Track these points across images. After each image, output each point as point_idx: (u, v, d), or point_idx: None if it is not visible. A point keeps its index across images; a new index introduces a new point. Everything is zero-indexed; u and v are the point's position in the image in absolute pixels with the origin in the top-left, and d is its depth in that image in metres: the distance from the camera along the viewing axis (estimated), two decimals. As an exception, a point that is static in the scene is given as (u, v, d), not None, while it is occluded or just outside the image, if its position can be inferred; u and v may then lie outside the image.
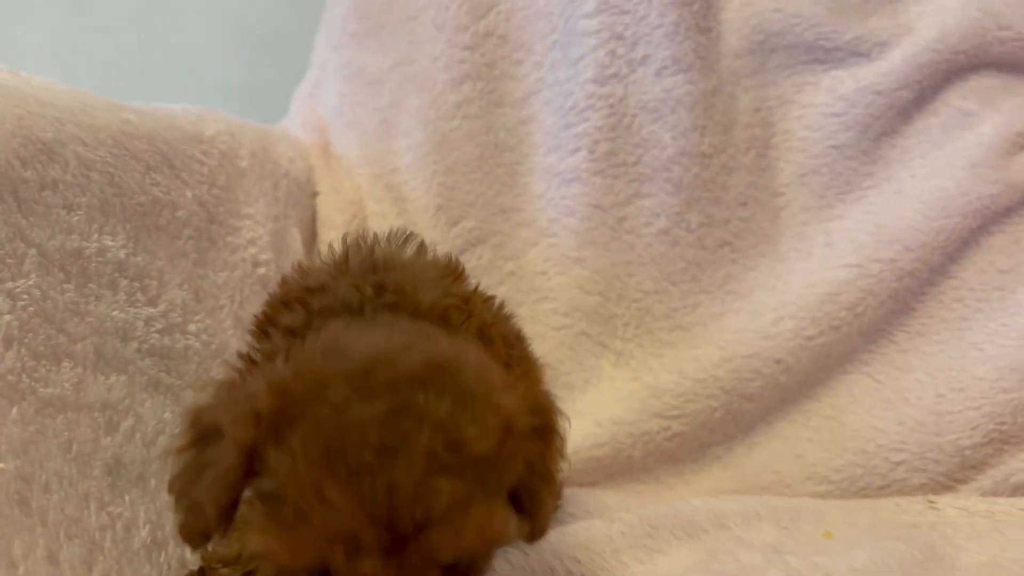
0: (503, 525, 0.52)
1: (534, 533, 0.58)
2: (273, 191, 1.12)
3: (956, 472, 1.09)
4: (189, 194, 0.93)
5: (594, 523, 0.83)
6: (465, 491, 0.49)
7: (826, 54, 1.25)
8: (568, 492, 1.00)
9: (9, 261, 0.67)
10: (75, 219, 0.76)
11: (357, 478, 0.47)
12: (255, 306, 0.79)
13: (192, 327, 0.86)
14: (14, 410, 0.62)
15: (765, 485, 1.13)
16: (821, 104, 1.25)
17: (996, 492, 1.04)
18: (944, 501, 1.02)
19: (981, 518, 0.96)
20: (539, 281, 1.25)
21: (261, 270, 1.01)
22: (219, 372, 0.87)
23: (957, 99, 1.22)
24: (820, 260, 1.20)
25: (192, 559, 0.71)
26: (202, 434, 0.53)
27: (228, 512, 0.52)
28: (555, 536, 0.79)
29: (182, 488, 0.54)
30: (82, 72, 1.87)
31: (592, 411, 1.17)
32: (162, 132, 0.93)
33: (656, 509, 0.88)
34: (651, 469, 1.16)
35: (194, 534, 0.54)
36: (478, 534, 0.50)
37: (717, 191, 1.24)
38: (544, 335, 1.22)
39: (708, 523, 0.88)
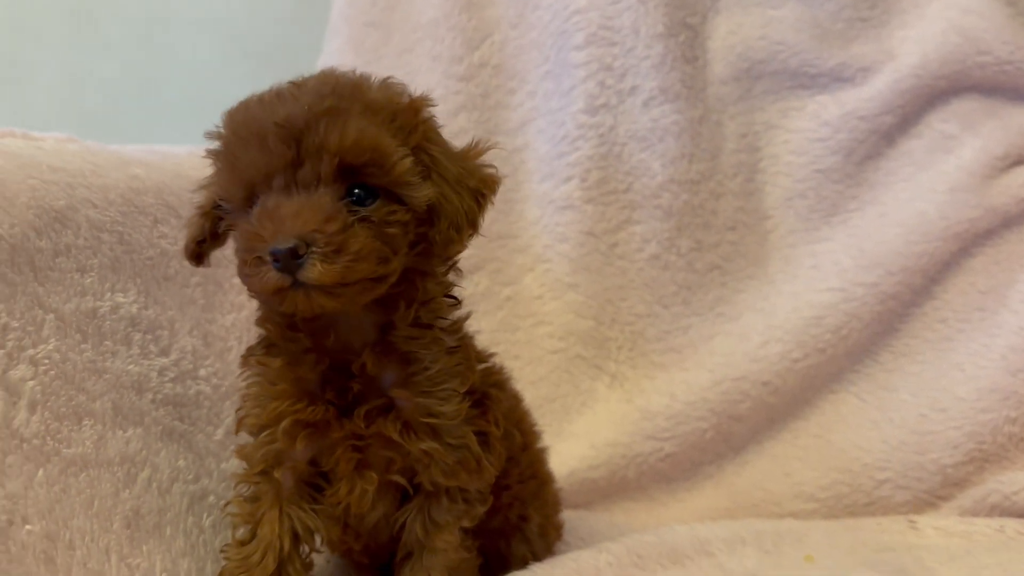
0: (385, 139, 0.66)
1: (437, 244, 0.70)
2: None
3: (938, 490, 1.13)
4: (196, 242, 0.97)
5: (582, 554, 0.87)
6: (346, 108, 0.65)
7: (811, 80, 1.29)
8: (564, 515, 1.04)
9: (29, 329, 0.72)
10: (88, 280, 0.81)
11: (260, 115, 0.65)
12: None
13: (202, 372, 0.91)
14: (40, 472, 0.67)
15: (755, 502, 1.18)
16: (806, 129, 1.29)
17: (975, 511, 1.08)
18: (924, 521, 1.06)
19: (958, 538, 1.01)
20: (535, 306, 1.30)
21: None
22: (229, 414, 0.93)
23: (939, 122, 1.26)
24: (806, 282, 1.24)
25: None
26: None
27: (200, 225, 0.73)
28: (544, 570, 0.83)
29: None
30: (87, 89, 1.91)
31: (588, 433, 1.22)
32: (168, 183, 0.98)
33: (642, 538, 0.92)
34: (645, 488, 1.21)
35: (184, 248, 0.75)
36: (359, 134, 0.64)
37: (706, 216, 1.28)
38: (541, 358, 1.27)
39: (692, 550, 0.92)
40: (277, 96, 0.67)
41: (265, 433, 0.73)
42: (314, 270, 0.62)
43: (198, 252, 0.74)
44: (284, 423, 0.72)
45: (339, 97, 0.66)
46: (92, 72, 1.94)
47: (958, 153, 1.23)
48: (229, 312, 1.00)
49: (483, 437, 0.78)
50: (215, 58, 1.91)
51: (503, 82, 1.36)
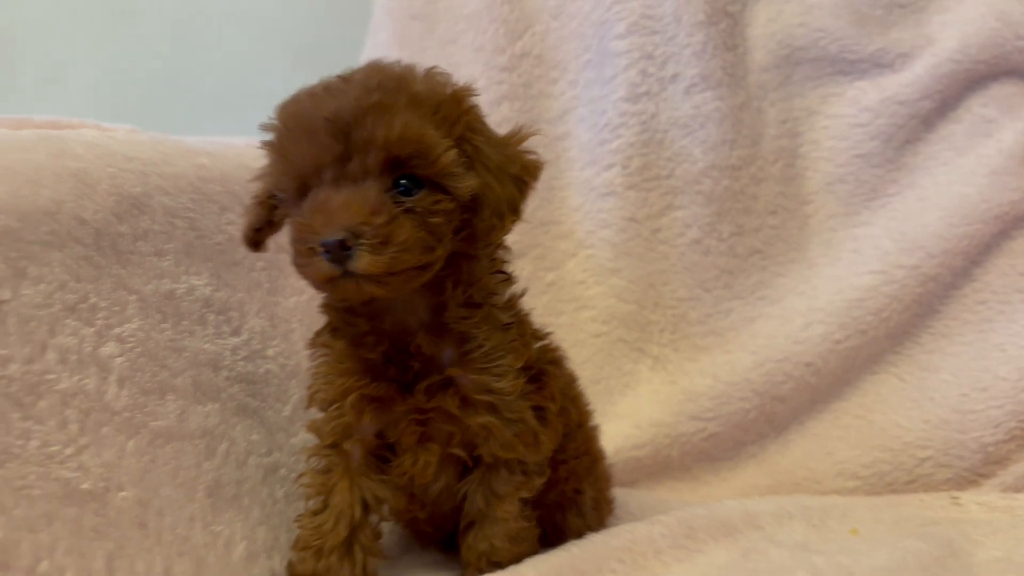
0: (429, 132, 0.69)
1: (481, 231, 0.73)
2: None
3: (979, 468, 1.15)
4: (259, 228, 1.01)
5: (636, 526, 0.90)
6: (392, 102, 0.68)
7: (850, 66, 1.31)
8: (613, 493, 1.07)
9: (115, 309, 0.76)
10: (165, 264, 0.84)
11: (309, 109, 0.68)
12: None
13: (270, 352, 0.95)
14: (130, 443, 0.71)
15: (797, 481, 1.21)
16: (846, 115, 1.31)
17: (1017, 487, 1.10)
18: (967, 497, 1.08)
19: (1001, 513, 1.03)
20: (578, 291, 1.32)
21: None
22: (296, 392, 0.97)
23: (979, 107, 1.27)
24: (847, 266, 1.26)
25: (280, 569, 0.80)
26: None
27: (258, 213, 0.77)
28: (600, 539, 0.86)
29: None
30: (125, 83, 1.95)
31: (631, 414, 1.25)
32: (232, 173, 1.02)
33: (694, 511, 0.95)
34: (688, 468, 1.24)
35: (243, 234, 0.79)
36: (404, 128, 0.67)
37: (747, 201, 1.30)
38: (584, 342, 1.30)
39: (742, 523, 0.95)
40: (326, 90, 0.70)
41: (334, 407, 0.77)
42: (362, 260, 0.65)
43: (255, 239, 0.78)
44: (351, 398, 0.76)
45: (385, 91, 0.68)
46: (131, 68, 1.98)
47: (998, 137, 1.25)
48: (291, 295, 1.03)
49: (540, 412, 0.82)
50: (253, 53, 1.95)
51: (545, 72, 1.38)
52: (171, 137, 1.04)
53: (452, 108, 0.72)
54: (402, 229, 0.67)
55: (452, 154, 0.70)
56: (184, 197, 0.91)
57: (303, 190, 0.69)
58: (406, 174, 0.69)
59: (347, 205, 0.66)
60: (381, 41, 1.47)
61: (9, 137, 0.77)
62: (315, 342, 0.81)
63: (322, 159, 0.67)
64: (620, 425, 1.24)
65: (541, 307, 1.31)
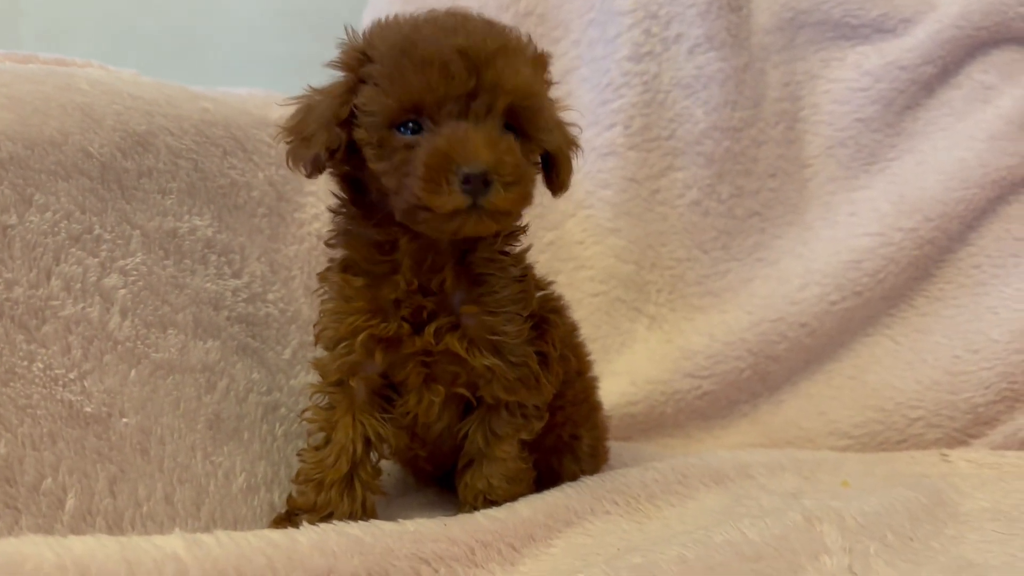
0: (542, 87, 0.75)
1: (557, 186, 0.80)
2: (331, 168, 1.21)
3: (969, 428, 1.16)
4: (261, 175, 1.02)
5: (630, 471, 0.92)
6: (515, 51, 0.71)
7: (852, 30, 1.31)
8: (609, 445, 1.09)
9: (119, 242, 0.77)
10: (168, 202, 0.85)
11: (439, 40, 0.69)
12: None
13: (271, 296, 0.96)
14: (132, 372, 0.72)
15: (789, 440, 1.22)
16: (848, 79, 1.31)
17: (1005, 446, 1.12)
18: (956, 454, 1.10)
19: (989, 469, 1.05)
20: (577, 250, 1.33)
21: (324, 242, 1.11)
22: (295, 337, 0.98)
23: (979, 73, 1.28)
24: (845, 228, 1.27)
25: (279, 503, 0.81)
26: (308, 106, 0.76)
27: (337, 135, 0.73)
28: (594, 481, 0.88)
29: (295, 128, 0.75)
30: (129, 46, 1.94)
31: (628, 371, 1.26)
32: (235, 118, 1.02)
33: (687, 460, 0.97)
34: (682, 424, 1.26)
35: (302, 160, 0.74)
36: (529, 77, 0.72)
37: (747, 163, 1.31)
38: (582, 301, 1.31)
39: (735, 472, 0.96)
40: (452, 24, 0.71)
41: (342, 345, 0.78)
42: (498, 196, 0.68)
43: (322, 163, 0.75)
44: (361, 336, 0.77)
45: (506, 39, 0.72)
46: (134, 30, 1.97)
47: (997, 103, 1.25)
48: (292, 243, 1.04)
49: (542, 357, 0.83)
50: (253, 15, 1.94)
51: (547, 31, 1.38)
52: (174, 82, 1.05)
53: (546, 71, 0.77)
54: (529, 170, 0.73)
55: (553, 110, 0.76)
56: (188, 139, 0.92)
57: (408, 117, 0.70)
58: (511, 121, 0.72)
59: (490, 142, 0.68)
60: (383, 5, 1.47)
61: (16, 69, 0.78)
62: (325, 277, 0.82)
63: (452, 91, 0.69)
64: (617, 382, 1.25)
65: (540, 266, 1.30)
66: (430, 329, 0.77)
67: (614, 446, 1.10)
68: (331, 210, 0.83)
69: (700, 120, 1.30)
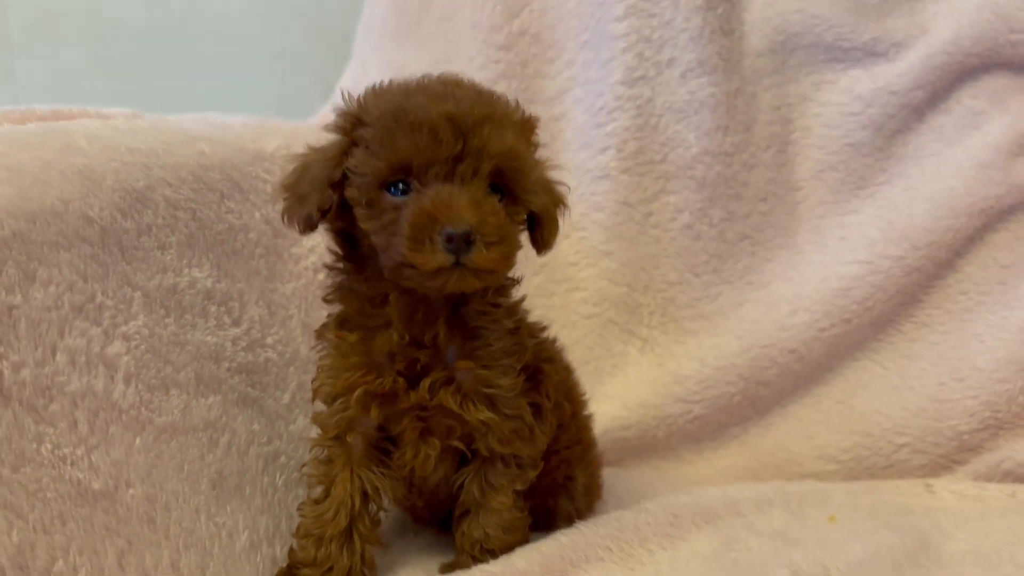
0: (527, 151, 0.79)
1: (541, 245, 0.84)
2: (326, 196, 1.21)
3: (954, 455, 1.19)
4: (258, 215, 1.02)
5: (624, 514, 0.94)
6: (501, 117, 0.76)
7: (844, 54, 1.32)
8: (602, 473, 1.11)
9: (121, 307, 0.78)
10: (168, 257, 0.86)
11: (428, 107, 0.73)
12: (319, 313, 0.90)
13: (269, 339, 0.97)
14: (137, 440, 0.74)
15: (779, 463, 1.25)
16: (839, 103, 1.32)
17: (988, 476, 1.14)
18: (940, 484, 1.12)
19: (972, 502, 1.07)
20: (570, 272, 1.35)
21: (321, 275, 1.11)
22: (294, 379, 0.99)
23: (969, 99, 1.29)
24: (834, 253, 1.28)
25: (281, 556, 0.84)
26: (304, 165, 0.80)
27: (329, 196, 0.77)
28: (588, 528, 0.90)
29: (290, 187, 0.80)
30: (117, 40, 1.94)
31: (620, 394, 1.28)
32: (231, 158, 1.02)
33: (678, 498, 0.99)
34: (674, 447, 1.28)
35: (296, 217, 0.79)
36: (513, 142, 0.75)
37: (738, 187, 1.32)
38: (575, 323, 1.33)
39: (724, 510, 0.99)
40: (442, 92, 0.76)
41: (339, 401, 0.80)
42: (480, 255, 0.72)
43: (315, 222, 0.79)
44: (357, 392, 0.79)
45: (492, 106, 0.76)
46: (124, 21, 1.96)
47: (986, 129, 1.26)
48: (289, 281, 1.05)
49: (536, 408, 0.85)
50: (244, 9, 1.93)
51: (541, 51, 1.38)
52: (170, 121, 1.05)
53: (530, 133, 0.81)
54: (512, 231, 0.76)
55: (538, 173, 0.80)
56: (185, 188, 0.92)
57: (396, 179, 0.74)
58: (497, 183, 0.76)
59: (473, 203, 0.72)
60: (378, 15, 1.47)
61: (14, 134, 0.78)
62: (322, 334, 0.84)
63: (439, 154, 0.73)
64: (609, 405, 1.27)
65: (534, 288, 1.34)
66: (425, 384, 0.79)
67: (607, 474, 1.12)
68: (327, 267, 0.85)
69: (692, 145, 1.31)
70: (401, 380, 0.79)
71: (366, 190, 0.75)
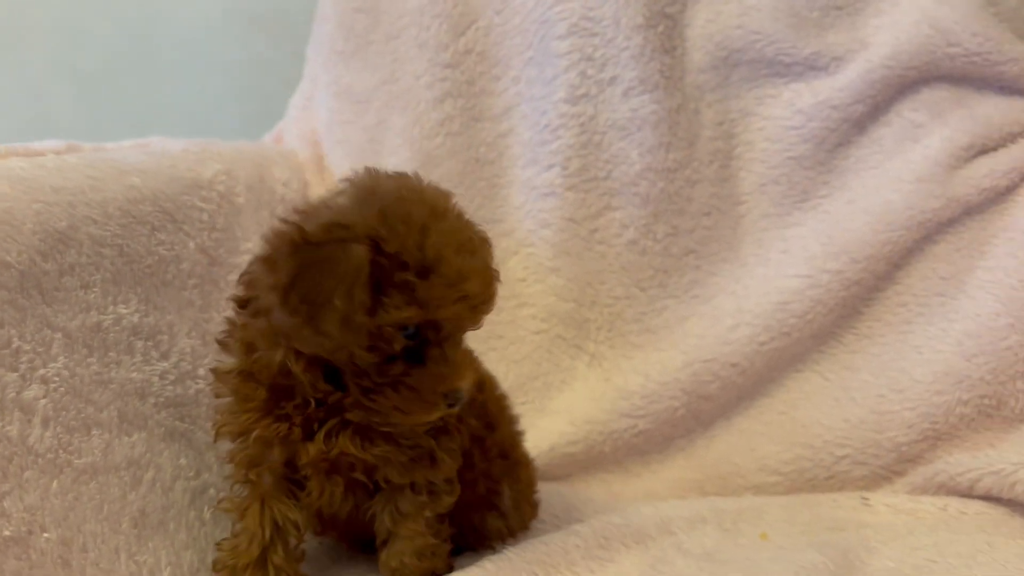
0: None
1: None
2: (269, 220, 1.22)
3: (893, 466, 1.21)
4: (192, 244, 1.03)
5: (553, 536, 0.95)
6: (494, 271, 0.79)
7: (786, 68, 1.33)
8: (544, 489, 1.12)
9: (40, 350, 0.79)
10: (92, 296, 0.87)
11: (467, 268, 0.74)
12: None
13: (201, 371, 0.98)
14: (54, 483, 0.75)
15: (722, 475, 1.26)
16: (781, 117, 1.33)
17: (924, 488, 1.16)
18: (877, 498, 1.14)
19: (905, 516, 1.09)
20: (519, 288, 1.36)
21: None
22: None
23: (909, 111, 1.30)
24: (776, 267, 1.30)
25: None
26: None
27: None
28: (514, 552, 0.91)
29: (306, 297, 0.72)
30: (82, 49, 1.94)
31: (567, 410, 1.30)
32: (164, 189, 1.03)
33: (610, 519, 1.00)
34: (620, 461, 1.29)
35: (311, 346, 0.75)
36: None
37: (682, 203, 1.33)
38: (524, 338, 1.34)
39: (655, 530, 1.00)
40: (481, 246, 0.79)
41: (239, 440, 0.82)
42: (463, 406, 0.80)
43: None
44: (254, 434, 0.80)
45: (492, 258, 0.80)
46: (87, 32, 1.96)
47: (925, 142, 1.27)
48: (225, 309, 1.05)
49: (438, 431, 0.85)
50: (210, 18, 1.93)
51: (487, 69, 1.39)
52: (104, 154, 1.06)
53: None
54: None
55: None
56: (112, 223, 0.93)
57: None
58: None
59: (472, 364, 0.81)
60: (326, 32, 1.47)
61: (-68, 180, 0.79)
62: (224, 379, 0.83)
63: (472, 323, 0.78)
64: (556, 421, 1.29)
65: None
66: (320, 435, 0.80)
67: (548, 491, 1.13)
68: (236, 303, 0.83)
69: (635, 162, 1.32)
70: (297, 430, 0.80)
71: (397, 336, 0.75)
